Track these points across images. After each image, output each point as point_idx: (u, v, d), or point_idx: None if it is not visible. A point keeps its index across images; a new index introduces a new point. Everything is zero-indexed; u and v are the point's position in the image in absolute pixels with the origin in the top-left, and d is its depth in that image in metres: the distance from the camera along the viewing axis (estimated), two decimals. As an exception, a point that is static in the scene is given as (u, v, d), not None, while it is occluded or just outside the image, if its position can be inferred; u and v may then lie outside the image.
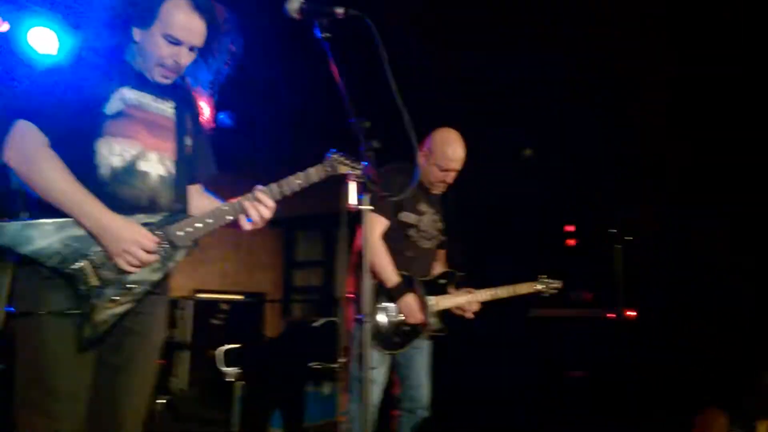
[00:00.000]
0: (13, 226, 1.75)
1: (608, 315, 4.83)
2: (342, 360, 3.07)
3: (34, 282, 1.80)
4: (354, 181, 1.71)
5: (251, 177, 2.22)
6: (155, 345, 2.05)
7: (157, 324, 2.04)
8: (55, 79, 1.88)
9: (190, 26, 1.93)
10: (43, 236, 1.76)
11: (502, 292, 3.36)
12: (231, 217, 1.96)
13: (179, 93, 2.07)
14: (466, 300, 3.23)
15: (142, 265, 1.84)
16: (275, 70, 4.26)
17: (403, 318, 3.01)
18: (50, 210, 1.79)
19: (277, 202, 1.99)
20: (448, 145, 3.20)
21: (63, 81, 1.86)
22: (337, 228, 3.00)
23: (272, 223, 2.02)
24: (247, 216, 1.97)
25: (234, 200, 1.98)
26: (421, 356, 3.17)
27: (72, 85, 1.85)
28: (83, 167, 1.83)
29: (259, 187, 1.99)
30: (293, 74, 4.28)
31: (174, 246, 1.90)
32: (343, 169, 1.99)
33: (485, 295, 3.29)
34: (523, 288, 3.45)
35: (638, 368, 3.96)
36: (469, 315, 3.24)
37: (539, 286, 3.50)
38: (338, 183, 2.30)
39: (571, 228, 5.85)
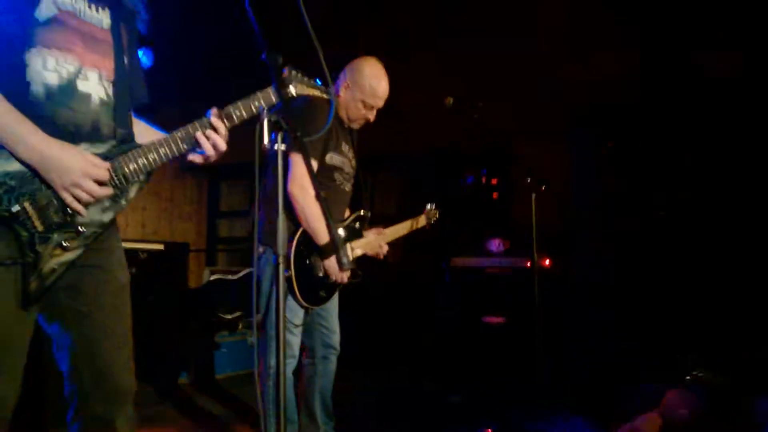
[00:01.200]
0: None
1: (525, 264, 5.01)
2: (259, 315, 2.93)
3: None
4: (267, 120, 1.64)
5: (174, 116, 2.06)
6: (121, 282, 1.79)
7: (117, 260, 1.79)
8: None
9: None
10: None
11: (403, 228, 3.41)
12: (185, 146, 1.71)
13: (115, 2, 1.79)
14: (377, 241, 3.18)
15: (94, 199, 1.59)
16: (188, 7, 4.05)
17: (331, 275, 2.89)
18: None
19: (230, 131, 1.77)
20: (378, 79, 2.96)
21: None
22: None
23: (192, 170, 1.87)
24: (199, 147, 1.73)
25: (185, 126, 1.74)
26: (333, 303, 3.12)
27: None
28: (12, 84, 1.53)
29: (214, 110, 1.75)
30: (205, 11, 4.09)
31: (126, 180, 1.65)
32: (300, 89, 1.79)
33: (391, 232, 3.30)
34: (418, 222, 3.52)
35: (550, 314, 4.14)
36: (381, 256, 3.21)
37: (430, 216, 3.59)
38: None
39: (494, 181, 5.97)
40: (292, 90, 1.81)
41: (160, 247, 6.52)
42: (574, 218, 5.09)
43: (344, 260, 1.68)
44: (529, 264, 4.87)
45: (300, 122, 1.75)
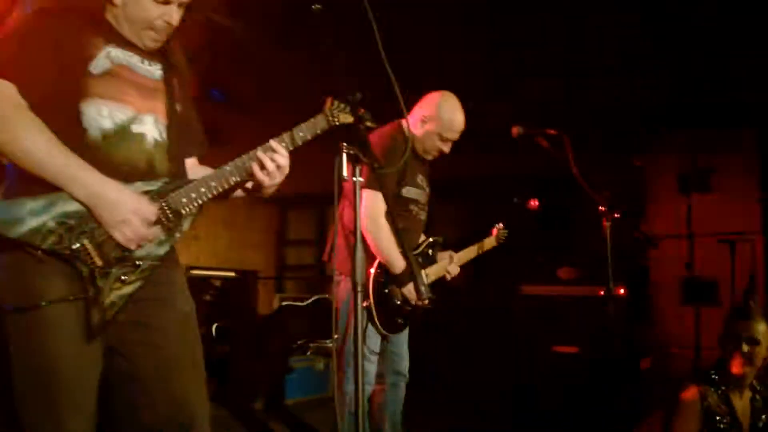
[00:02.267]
0: None
1: (598, 292, 4.88)
2: (335, 337, 3.01)
3: (27, 269, 1.57)
4: (346, 153, 1.70)
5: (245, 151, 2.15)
6: (186, 312, 1.82)
7: (179, 290, 1.83)
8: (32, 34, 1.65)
9: None
10: (33, 214, 1.54)
11: (473, 250, 3.44)
12: (235, 178, 1.77)
13: (166, 56, 1.88)
14: (450, 265, 3.22)
15: (142, 239, 1.65)
16: (265, 43, 4.22)
17: (411, 300, 2.92)
18: (33, 182, 1.57)
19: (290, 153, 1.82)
20: (454, 113, 3.01)
21: (41, 36, 1.64)
22: (329, 206, 2.94)
23: (264, 200, 1.92)
24: (263, 166, 1.77)
25: (233, 161, 1.80)
26: (405, 330, 3.14)
27: (52, 41, 1.63)
28: (69, 131, 1.61)
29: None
30: (283, 47, 4.24)
31: (178, 214, 1.71)
32: (344, 118, 1.84)
33: (463, 255, 3.34)
34: (488, 243, 3.57)
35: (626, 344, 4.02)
36: (450, 277, 3.24)
37: (500, 236, 3.63)
38: (330, 160, 2.27)
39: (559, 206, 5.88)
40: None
41: (232, 274, 6.74)
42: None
43: (423, 289, 1.70)
44: (602, 292, 4.74)
45: (375, 155, 1.80)
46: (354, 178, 1.71)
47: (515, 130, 3.19)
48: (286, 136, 1.84)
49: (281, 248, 8.85)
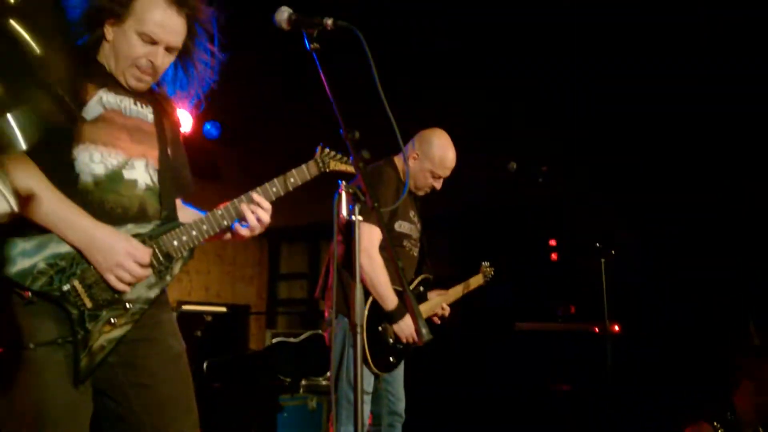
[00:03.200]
0: None
1: (593, 329, 4.85)
2: (329, 374, 2.96)
3: (16, 310, 1.55)
4: (345, 191, 1.69)
5: (239, 187, 2.16)
6: (177, 352, 1.81)
7: (169, 331, 1.82)
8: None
9: (167, 23, 1.73)
10: (24, 255, 1.54)
11: (462, 288, 3.41)
12: (226, 222, 1.81)
13: (157, 100, 1.89)
14: (440, 303, 3.20)
15: (136, 280, 1.65)
16: (262, 79, 4.25)
17: (402, 338, 2.89)
18: (25, 224, 1.55)
19: (272, 203, 1.87)
20: (445, 150, 3.06)
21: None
22: (321, 239, 2.94)
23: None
24: (244, 221, 1.82)
25: (225, 204, 1.83)
26: (399, 370, 3.10)
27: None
28: (62, 177, 1.62)
29: (254, 189, 1.86)
30: (280, 83, 4.28)
31: (169, 258, 1.72)
32: (334, 165, 1.91)
33: (453, 293, 3.31)
34: (474, 281, 3.52)
35: (622, 382, 3.97)
36: (440, 317, 3.21)
37: (486, 274, 3.59)
38: (322, 194, 2.27)
39: (553, 242, 5.89)
40: (331, 165, 1.94)
41: (224, 309, 6.67)
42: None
43: (424, 332, 1.67)
44: (597, 329, 4.71)
45: (372, 192, 1.79)
46: (353, 217, 1.70)
47: (511, 166, 3.21)
48: (277, 181, 1.88)
49: (273, 282, 8.78)
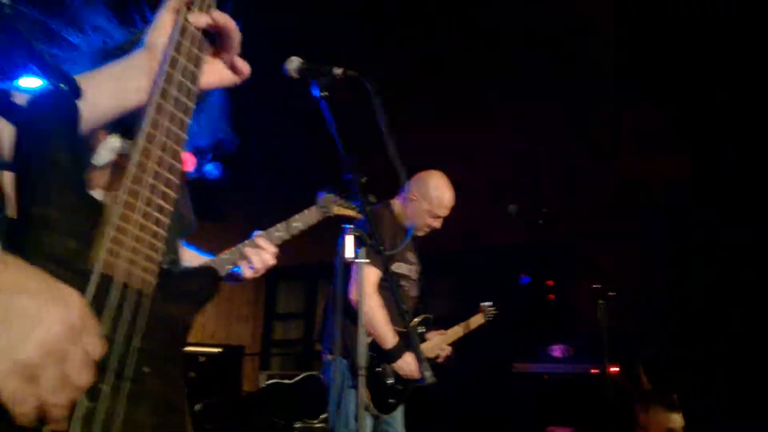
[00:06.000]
0: None
1: (591, 370, 4.83)
2: (324, 417, 2.96)
3: None
4: (351, 234, 1.73)
5: (240, 227, 2.19)
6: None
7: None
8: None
9: None
10: None
11: (461, 328, 3.46)
12: (231, 266, 1.86)
13: None
14: (440, 344, 3.23)
15: None
16: (266, 123, 4.32)
17: (404, 377, 2.90)
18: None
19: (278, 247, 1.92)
20: (443, 191, 3.10)
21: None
22: (319, 279, 2.97)
23: None
24: (250, 263, 1.86)
25: (229, 250, 1.88)
26: (399, 411, 3.09)
27: None
28: None
29: (258, 232, 1.91)
30: (286, 127, 4.35)
31: None
32: (337, 210, 1.96)
33: (452, 333, 3.35)
34: (475, 321, 3.57)
35: (622, 424, 3.94)
36: (443, 358, 3.23)
37: (487, 313, 3.64)
38: (321, 234, 2.30)
39: (550, 283, 5.89)
40: (333, 210, 2.04)
41: (219, 350, 6.60)
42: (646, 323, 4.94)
43: (427, 374, 1.68)
44: (594, 371, 4.69)
45: (378, 236, 1.83)
46: (358, 260, 1.73)
47: (511, 208, 3.26)
48: (281, 226, 1.94)
49: (269, 322, 8.70)
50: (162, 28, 1.10)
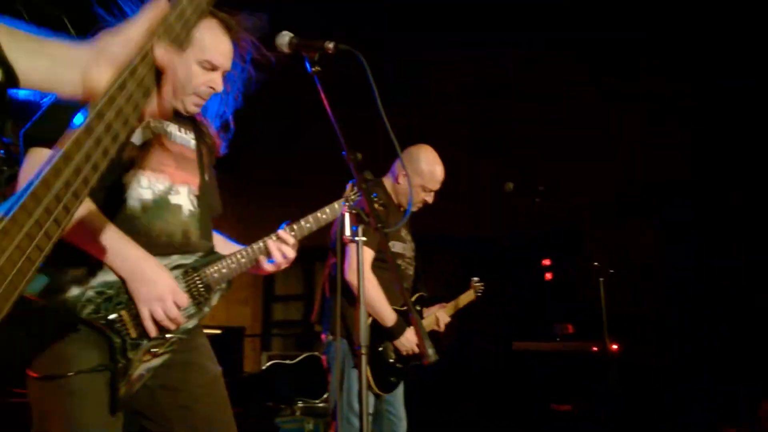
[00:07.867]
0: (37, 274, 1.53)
1: (592, 348, 4.83)
2: (326, 396, 2.97)
3: (57, 337, 1.55)
4: (348, 212, 1.70)
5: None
6: (214, 374, 1.86)
7: (205, 354, 1.86)
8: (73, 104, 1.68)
9: (226, 49, 1.77)
10: (74, 283, 1.53)
11: (450, 307, 3.46)
12: (263, 257, 1.85)
13: (196, 124, 1.92)
14: (440, 318, 3.26)
15: (168, 320, 1.62)
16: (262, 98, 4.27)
17: (406, 354, 2.90)
18: (73, 252, 1.53)
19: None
20: (434, 165, 3.08)
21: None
22: (316, 262, 2.95)
23: None
24: (269, 257, 1.85)
25: (262, 240, 1.88)
26: (400, 389, 3.10)
27: None
28: (110, 202, 1.62)
29: (287, 223, 1.91)
30: (280, 105, 4.29)
31: (209, 289, 1.76)
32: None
33: (449, 308, 3.38)
34: (465, 297, 3.57)
35: (622, 401, 3.95)
36: (442, 327, 3.28)
37: (476, 289, 3.63)
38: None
39: (547, 262, 5.87)
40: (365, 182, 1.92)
41: (218, 332, 6.59)
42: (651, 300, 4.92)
43: (430, 352, 1.66)
44: (596, 348, 4.69)
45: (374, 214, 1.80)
46: (356, 238, 1.70)
47: (507, 186, 3.23)
48: (312, 218, 1.94)
49: (268, 304, 8.71)
50: (127, 42, 0.97)
